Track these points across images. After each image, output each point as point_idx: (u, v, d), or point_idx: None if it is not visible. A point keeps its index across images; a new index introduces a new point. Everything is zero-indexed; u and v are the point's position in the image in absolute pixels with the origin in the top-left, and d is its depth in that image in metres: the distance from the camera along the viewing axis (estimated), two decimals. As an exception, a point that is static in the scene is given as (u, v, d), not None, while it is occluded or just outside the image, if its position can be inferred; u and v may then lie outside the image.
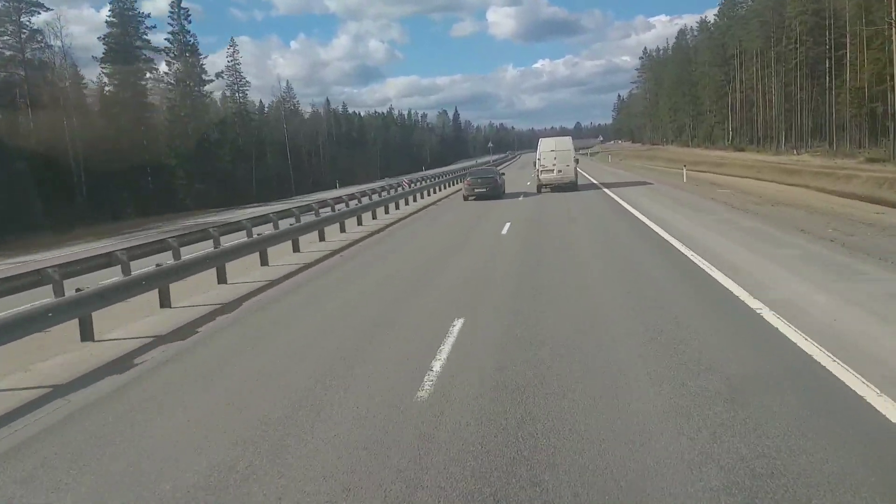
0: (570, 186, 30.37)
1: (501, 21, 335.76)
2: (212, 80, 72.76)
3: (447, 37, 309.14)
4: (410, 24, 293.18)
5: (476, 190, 30.27)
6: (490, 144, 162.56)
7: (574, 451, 4.27)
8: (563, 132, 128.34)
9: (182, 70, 66.60)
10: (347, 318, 8.79)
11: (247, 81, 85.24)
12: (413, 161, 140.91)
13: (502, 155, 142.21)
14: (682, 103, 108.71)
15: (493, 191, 30.16)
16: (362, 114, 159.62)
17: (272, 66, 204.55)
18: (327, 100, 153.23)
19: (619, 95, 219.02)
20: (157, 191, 60.93)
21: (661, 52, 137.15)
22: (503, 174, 36.81)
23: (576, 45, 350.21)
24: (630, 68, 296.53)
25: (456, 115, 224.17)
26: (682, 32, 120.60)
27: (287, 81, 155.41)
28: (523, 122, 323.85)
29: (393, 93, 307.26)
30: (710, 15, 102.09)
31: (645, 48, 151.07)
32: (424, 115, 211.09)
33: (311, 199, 29.82)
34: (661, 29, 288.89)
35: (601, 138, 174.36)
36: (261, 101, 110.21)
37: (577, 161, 31.55)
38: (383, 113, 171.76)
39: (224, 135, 74.06)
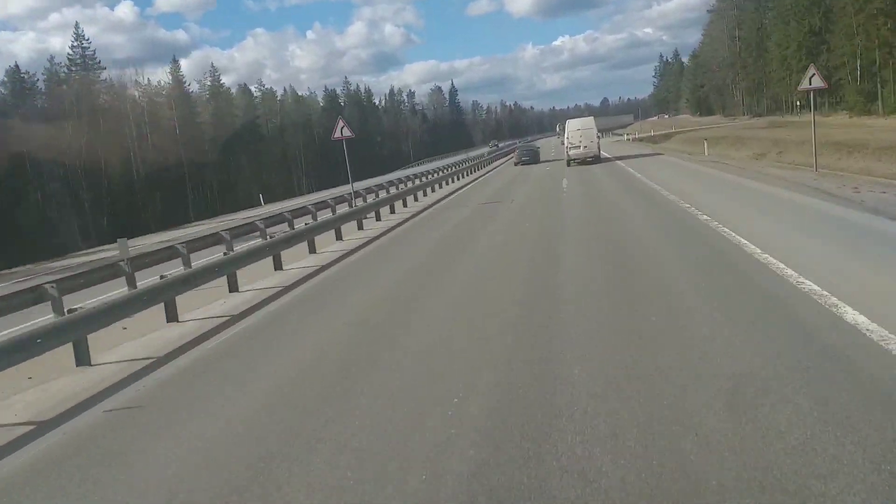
0: (594, 160, 35.30)
1: None
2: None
3: (464, 16, 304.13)
4: (425, 6, 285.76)
5: (523, 159, 45.55)
6: (493, 142, 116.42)
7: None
8: (587, 110, 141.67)
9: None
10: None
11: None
12: (379, 161, 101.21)
13: (501, 145, 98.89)
14: (812, 43, 61.21)
15: (533, 159, 45.20)
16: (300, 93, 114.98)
17: (289, 58, 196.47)
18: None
19: (661, 56, 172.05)
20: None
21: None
22: (539, 147, 53.72)
23: (596, 19, 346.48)
24: (653, 41, 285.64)
25: (453, 91, 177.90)
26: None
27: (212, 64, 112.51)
28: (544, 102, 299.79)
29: (412, 79, 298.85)
30: None
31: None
32: (411, 94, 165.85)
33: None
34: None
35: (633, 117, 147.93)
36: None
37: (599, 137, 37.21)
38: (334, 91, 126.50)
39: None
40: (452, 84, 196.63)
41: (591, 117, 39.38)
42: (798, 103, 64.34)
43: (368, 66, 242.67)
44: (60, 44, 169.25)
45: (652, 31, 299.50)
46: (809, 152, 20.88)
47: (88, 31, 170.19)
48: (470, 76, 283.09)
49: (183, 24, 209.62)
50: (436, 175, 36.20)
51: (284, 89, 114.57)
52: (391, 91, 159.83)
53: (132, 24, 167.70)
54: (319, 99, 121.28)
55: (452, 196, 26.89)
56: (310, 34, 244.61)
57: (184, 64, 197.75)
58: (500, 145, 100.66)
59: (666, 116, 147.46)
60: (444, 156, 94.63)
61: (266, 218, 16.72)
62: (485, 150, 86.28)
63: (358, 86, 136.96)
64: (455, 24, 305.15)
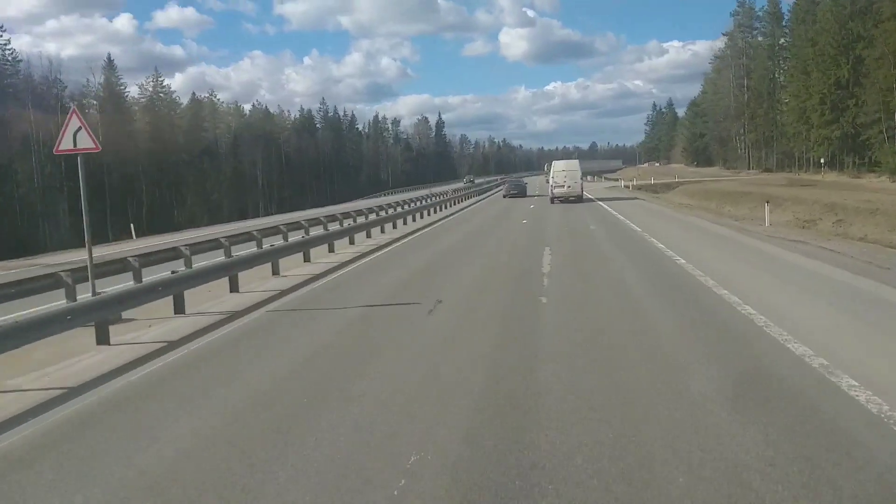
0: (577, 199, 37.21)
1: (514, 42, 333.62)
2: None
3: (459, 56, 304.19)
4: (422, 43, 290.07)
5: (511, 192, 49.33)
6: (468, 177, 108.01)
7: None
8: (576, 152, 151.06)
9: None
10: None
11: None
12: (357, 186, 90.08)
13: (478, 181, 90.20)
14: (838, 97, 54.04)
15: (521, 193, 48.81)
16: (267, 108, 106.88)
17: (285, 82, 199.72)
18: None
19: (654, 105, 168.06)
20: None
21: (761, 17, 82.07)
22: (527, 182, 58.13)
23: (588, 69, 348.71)
24: (642, 92, 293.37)
25: (440, 123, 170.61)
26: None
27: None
28: (534, 142, 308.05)
29: (405, 111, 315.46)
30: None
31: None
32: (396, 121, 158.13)
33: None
34: (674, 54, 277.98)
35: (622, 162, 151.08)
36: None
37: (583, 179, 40.17)
38: (310, 112, 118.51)
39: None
40: (440, 116, 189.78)
41: (577, 160, 41.44)
42: (822, 161, 56.68)
43: (363, 94, 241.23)
44: (55, 49, 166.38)
45: (641, 84, 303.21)
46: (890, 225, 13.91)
47: (85, 39, 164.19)
48: (462, 112, 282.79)
49: (180, 40, 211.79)
50: (386, 212, 27.93)
51: (253, 104, 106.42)
52: (375, 118, 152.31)
53: (129, 37, 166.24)
54: (292, 117, 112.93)
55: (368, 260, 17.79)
56: (307, 60, 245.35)
57: (179, 79, 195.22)
58: (477, 181, 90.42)
59: (657, 164, 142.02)
60: (421, 186, 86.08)
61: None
62: (459, 184, 77.90)
63: (336, 108, 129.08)
64: (450, 61, 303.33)
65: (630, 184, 56.29)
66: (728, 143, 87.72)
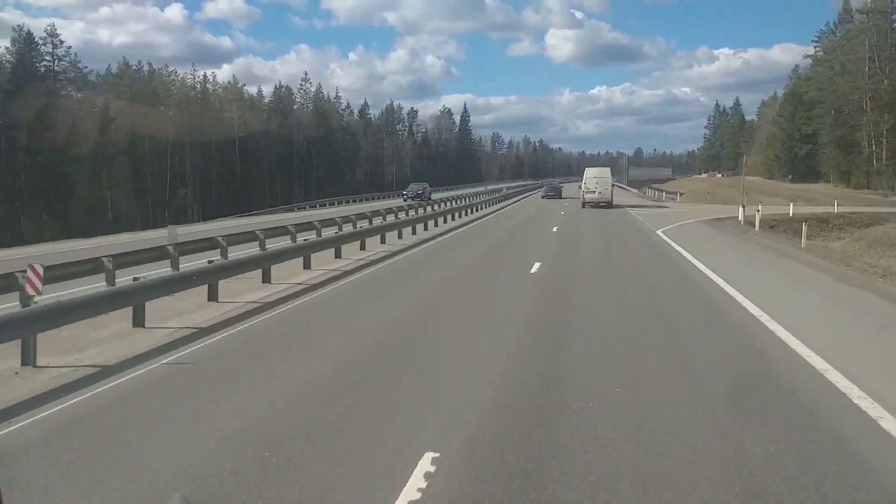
0: (607, 204, 38.19)
1: (560, 44, 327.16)
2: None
3: (504, 56, 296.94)
4: (468, 42, 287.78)
5: (549, 193, 55.05)
6: (415, 186, 65.84)
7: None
8: (621, 157, 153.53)
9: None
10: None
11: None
12: (348, 184, 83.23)
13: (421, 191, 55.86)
14: None
15: (557, 194, 54.00)
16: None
17: (329, 76, 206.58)
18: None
19: (717, 105, 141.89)
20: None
21: None
22: (562, 184, 66.88)
23: (635, 73, 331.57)
24: (690, 100, 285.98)
25: (465, 116, 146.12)
26: None
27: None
28: (576, 146, 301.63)
29: (445, 109, 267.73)
30: None
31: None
32: (413, 112, 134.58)
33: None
34: (724, 61, 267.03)
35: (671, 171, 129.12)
36: None
37: (613, 185, 41.42)
38: (287, 88, 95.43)
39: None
40: (465, 108, 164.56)
41: (608, 168, 45.16)
42: None
43: (406, 92, 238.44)
44: (108, 36, 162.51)
45: (689, 91, 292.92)
46: None
47: (137, 28, 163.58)
48: (505, 112, 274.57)
49: (229, 31, 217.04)
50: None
51: (203, 75, 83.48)
52: (389, 106, 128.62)
53: (179, 26, 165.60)
54: (264, 96, 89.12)
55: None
56: (352, 55, 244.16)
57: (227, 69, 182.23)
58: (422, 191, 51.29)
59: (719, 175, 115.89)
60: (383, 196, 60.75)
61: None
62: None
63: (321, 86, 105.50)
64: (495, 61, 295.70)
65: (743, 215, 30.63)
66: (854, 148, 61.03)
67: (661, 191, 64.27)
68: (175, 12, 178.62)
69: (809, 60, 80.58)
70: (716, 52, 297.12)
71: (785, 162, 79.68)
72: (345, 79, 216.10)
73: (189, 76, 77.25)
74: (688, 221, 27.19)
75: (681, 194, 55.48)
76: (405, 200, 41.19)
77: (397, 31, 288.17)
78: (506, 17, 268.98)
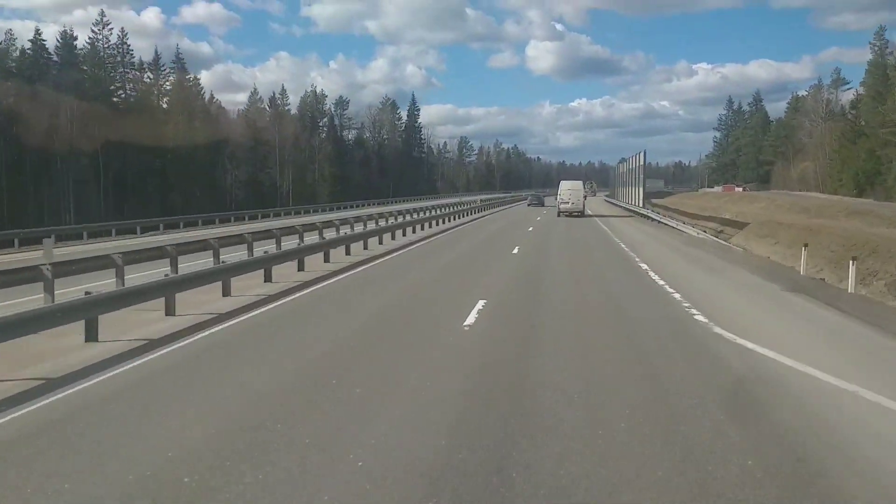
0: (579, 214, 43.58)
1: (541, 56, 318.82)
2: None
3: (485, 67, 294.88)
4: (448, 52, 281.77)
5: (532, 202, 66.54)
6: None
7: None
8: (601, 169, 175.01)
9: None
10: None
11: None
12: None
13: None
14: None
15: (539, 203, 65.71)
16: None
17: (309, 84, 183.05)
18: None
19: (729, 101, 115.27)
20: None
21: None
22: (545, 197, 73.85)
23: (614, 87, 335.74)
24: (668, 113, 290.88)
25: (413, 110, 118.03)
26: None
27: None
28: (557, 157, 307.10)
29: (426, 120, 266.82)
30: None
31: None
32: (343, 102, 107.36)
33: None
34: (702, 76, 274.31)
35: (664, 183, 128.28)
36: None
37: (585, 196, 47.37)
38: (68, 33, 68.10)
39: None
40: (413, 98, 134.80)
41: (580, 181, 50.27)
42: None
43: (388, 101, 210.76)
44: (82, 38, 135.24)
45: (668, 105, 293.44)
46: None
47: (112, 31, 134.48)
48: (487, 123, 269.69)
49: (207, 37, 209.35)
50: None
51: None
52: (311, 93, 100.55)
53: (157, 31, 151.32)
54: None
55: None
56: (332, 64, 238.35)
57: (206, 76, 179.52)
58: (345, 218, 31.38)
59: (738, 188, 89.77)
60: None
61: None
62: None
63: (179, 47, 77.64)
64: (476, 72, 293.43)
65: None
66: None
67: (667, 209, 53.86)
68: (152, 16, 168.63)
69: None
70: (694, 66, 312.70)
71: (854, 174, 51.61)
72: (325, 87, 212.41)
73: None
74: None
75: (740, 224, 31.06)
76: None
77: (378, 39, 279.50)
78: (487, 29, 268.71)
